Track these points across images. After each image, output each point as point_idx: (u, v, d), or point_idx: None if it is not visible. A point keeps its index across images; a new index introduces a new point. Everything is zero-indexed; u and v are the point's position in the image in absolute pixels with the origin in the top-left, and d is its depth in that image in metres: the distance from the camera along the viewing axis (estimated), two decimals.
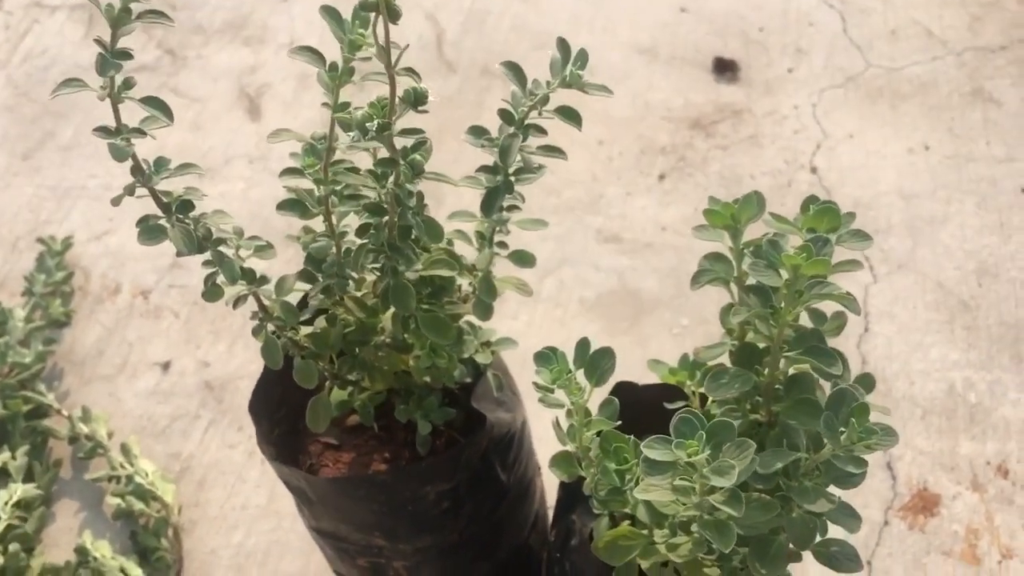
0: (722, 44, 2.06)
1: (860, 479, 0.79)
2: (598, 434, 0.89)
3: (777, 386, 0.87)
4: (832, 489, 0.83)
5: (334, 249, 0.94)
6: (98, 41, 0.80)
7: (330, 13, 0.78)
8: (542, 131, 0.83)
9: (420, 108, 0.76)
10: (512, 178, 0.86)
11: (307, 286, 1.01)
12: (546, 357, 0.84)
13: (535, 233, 1.75)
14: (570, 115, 0.81)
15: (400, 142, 0.81)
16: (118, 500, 1.44)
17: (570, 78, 0.77)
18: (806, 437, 0.83)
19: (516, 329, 1.64)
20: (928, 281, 1.66)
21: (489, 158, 0.90)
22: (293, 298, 1.03)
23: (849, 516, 0.84)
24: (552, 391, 0.84)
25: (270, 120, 2.00)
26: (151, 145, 0.88)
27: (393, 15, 0.71)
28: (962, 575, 1.36)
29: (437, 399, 1.10)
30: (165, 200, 0.87)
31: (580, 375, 0.87)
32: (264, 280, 0.98)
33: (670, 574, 0.90)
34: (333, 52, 0.85)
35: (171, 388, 1.62)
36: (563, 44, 0.78)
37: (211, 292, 0.95)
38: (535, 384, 0.84)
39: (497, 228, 0.94)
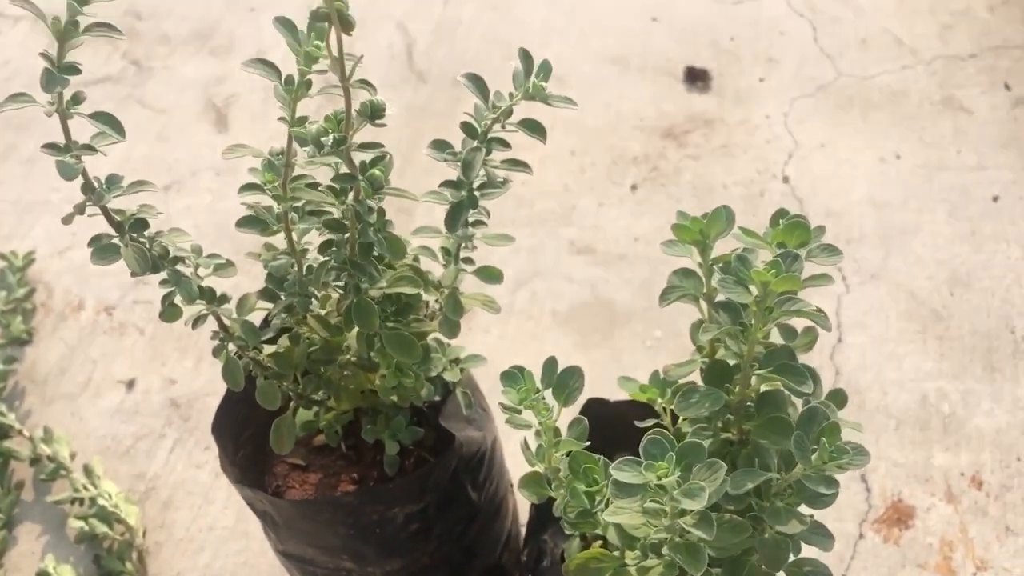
0: (693, 53, 2.05)
1: (832, 499, 0.77)
2: (567, 454, 0.87)
3: (748, 403, 0.85)
4: (805, 508, 0.81)
5: (295, 267, 0.92)
6: (44, 55, 0.77)
7: (284, 24, 0.75)
8: (506, 144, 0.81)
9: (377, 121, 0.74)
10: (476, 193, 0.84)
11: (269, 305, 0.99)
12: (513, 377, 0.82)
13: (507, 245, 1.74)
14: (534, 128, 0.79)
15: (359, 157, 0.79)
16: (81, 523, 1.41)
17: (533, 90, 0.75)
18: (777, 456, 0.82)
19: (488, 343, 1.62)
20: (900, 291, 1.65)
21: (454, 172, 0.89)
22: (255, 317, 1.01)
23: (822, 536, 0.82)
24: (519, 412, 0.82)
25: (238, 131, 1.98)
26: (115, 157, 0.86)
27: (346, 26, 0.69)
28: None
29: (405, 418, 1.08)
30: (118, 219, 0.84)
31: (548, 394, 0.85)
32: (224, 299, 0.96)
33: None
34: (295, 67, 0.83)
35: (136, 407, 1.59)
36: (525, 55, 0.77)
37: (169, 312, 0.93)
38: (501, 405, 0.82)
39: (463, 244, 0.92)
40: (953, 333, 1.60)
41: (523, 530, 1.34)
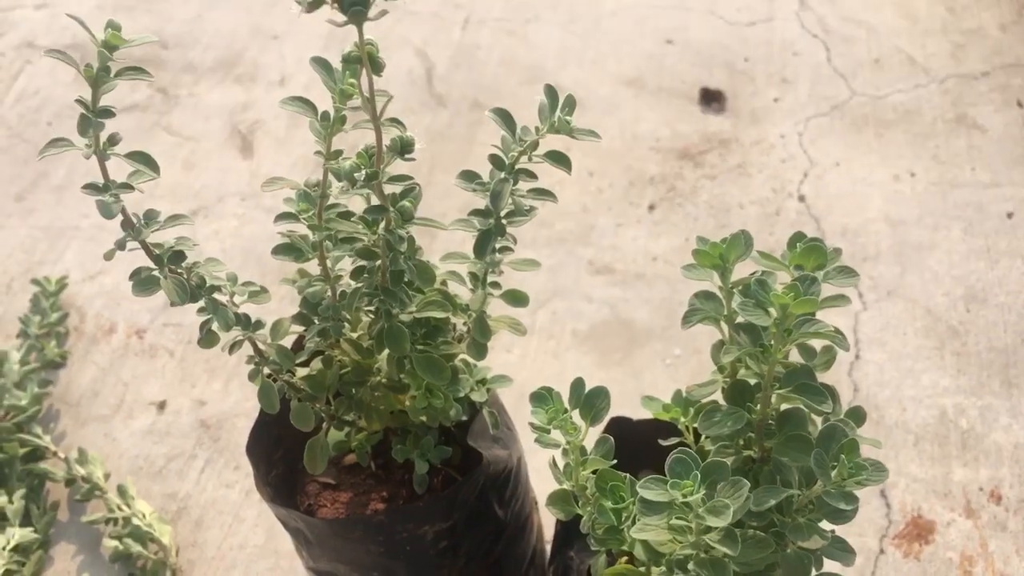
0: (708, 75, 2.08)
1: (852, 515, 0.80)
2: (595, 472, 0.90)
3: (770, 421, 0.88)
4: (826, 524, 0.84)
5: (329, 292, 0.95)
6: (80, 101, 0.81)
7: (320, 64, 0.79)
8: (532, 175, 0.84)
9: (407, 156, 0.78)
10: (504, 221, 0.87)
11: (302, 328, 1.02)
12: (542, 398, 0.85)
13: (533, 270, 1.77)
14: (559, 159, 0.82)
15: (389, 189, 0.83)
16: (115, 542, 1.44)
17: (559, 124, 0.78)
18: (798, 473, 0.84)
19: (510, 362, 1.65)
20: (917, 308, 1.67)
21: (480, 200, 0.92)
22: (287, 339, 1.04)
23: (843, 551, 0.85)
24: (548, 431, 0.85)
25: (262, 157, 2.02)
26: (144, 185, 0.89)
27: (376, 68, 0.72)
28: None
29: (434, 438, 1.11)
30: (157, 252, 0.88)
31: (576, 414, 0.87)
32: (259, 325, 0.99)
33: None
34: (323, 90, 0.86)
35: (167, 428, 1.62)
36: (551, 90, 0.80)
37: (207, 339, 0.96)
38: (531, 424, 0.85)
39: (490, 269, 0.95)
40: (970, 349, 1.62)
41: (548, 547, 1.37)
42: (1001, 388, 1.56)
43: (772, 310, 0.78)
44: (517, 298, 0.99)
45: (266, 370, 1.02)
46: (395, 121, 0.77)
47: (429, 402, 1.02)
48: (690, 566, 0.82)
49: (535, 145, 0.81)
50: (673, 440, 0.97)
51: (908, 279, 1.71)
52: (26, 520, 1.48)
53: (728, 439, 0.89)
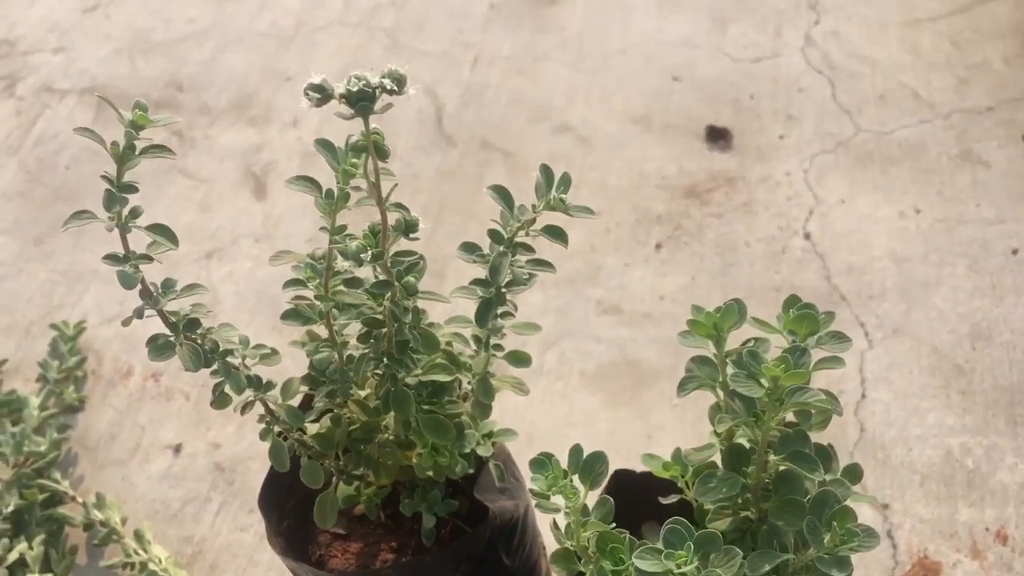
0: (714, 112, 2.11)
1: None
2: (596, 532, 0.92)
3: (767, 481, 0.90)
4: None
5: (336, 357, 0.98)
6: (105, 177, 0.84)
7: (324, 146, 0.82)
8: (530, 249, 0.87)
9: (411, 236, 0.81)
10: (503, 290, 0.90)
11: (311, 388, 1.05)
12: (541, 464, 0.88)
13: (536, 305, 1.80)
14: (556, 234, 0.85)
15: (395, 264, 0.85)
16: None
17: (554, 202, 0.81)
18: (794, 535, 0.86)
19: (518, 403, 1.67)
20: (923, 346, 1.69)
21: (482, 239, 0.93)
22: (297, 398, 1.07)
23: None
24: (548, 497, 0.88)
25: (276, 199, 2.06)
26: None
27: (382, 155, 0.75)
28: None
29: (441, 491, 1.13)
30: (173, 320, 0.91)
31: (575, 479, 0.90)
32: (270, 386, 1.02)
33: None
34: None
35: (182, 471, 1.66)
36: (546, 170, 0.82)
37: (219, 400, 0.99)
38: (531, 491, 0.87)
39: (492, 333, 0.98)
40: (976, 387, 1.63)
41: None
42: (1007, 427, 1.57)
43: (764, 381, 0.81)
44: (520, 359, 1.02)
45: (277, 429, 1.05)
46: (399, 206, 0.80)
47: (435, 460, 1.04)
48: None
49: (532, 222, 0.83)
50: (673, 498, 1.00)
51: (914, 317, 1.73)
52: (46, 566, 1.51)
53: (726, 500, 0.91)
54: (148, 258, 0.88)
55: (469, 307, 1.03)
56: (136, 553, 1.50)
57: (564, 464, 0.90)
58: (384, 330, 0.91)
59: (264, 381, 1.02)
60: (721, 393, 0.89)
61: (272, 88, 2.28)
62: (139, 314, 0.89)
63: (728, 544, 0.78)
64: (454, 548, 1.10)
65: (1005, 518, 1.48)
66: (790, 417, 0.93)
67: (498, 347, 1.00)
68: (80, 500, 1.59)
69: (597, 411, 1.66)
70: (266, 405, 1.03)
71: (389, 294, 0.86)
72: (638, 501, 1.02)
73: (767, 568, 0.81)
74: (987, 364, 1.66)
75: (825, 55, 2.18)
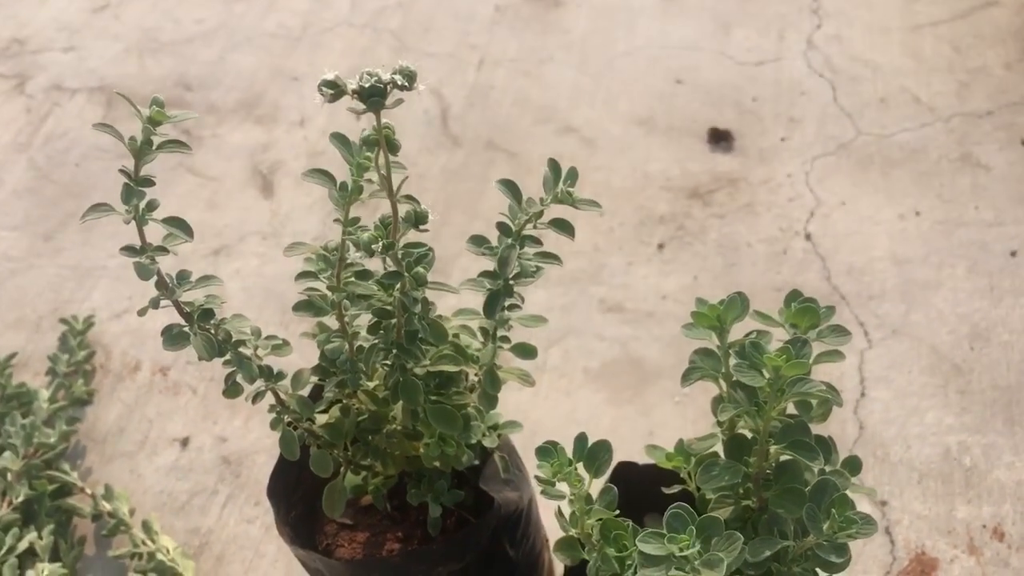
0: (717, 114, 2.13)
1: (844, 566, 0.83)
2: (599, 520, 0.94)
3: (768, 471, 0.92)
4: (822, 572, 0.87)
5: (347, 347, 1.00)
6: (123, 171, 0.86)
7: (339, 139, 0.84)
8: (537, 242, 0.89)
9: (421, 228, 0.83)
10: (511, 282, 0.92)
11: (321, 379, 1.07)
12: (547, 452, 0.90)
13: (540, 303, 1.82)
14: (563, 227, 0.87)
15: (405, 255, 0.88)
16: None
17: (561, 195, 0.83)
18: (794, 524, 0.88)
19: (522, 400, 1.69)
20: (922, 345, 1.71)
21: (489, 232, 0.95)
22: (307, 389, 1.09)
23: None
24: (553, 484, 0.90)
25: (282, 197, 2.08)
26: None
27: (393, 149, 0.78)
28: None
29: (447, 482, 1.15)
30: (188, 310, 0.93)
31: (579, 467, 0.92)
32: (281, 376, 1.04)
33: None
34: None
35: (190, 464, 1.68)
36: (554, 164, 0.85)
37: (231, 390, 1.01)
38: (537, 478, 0.89)
39: (500, 325, 1.00)
40: (974, 387, 1.65)
41: None
42: (1004, 426, 1.59)
43: (765, 371, 0.83)
44: (526, 351, 1.04)
45: (287, 418, 1.07)
46: (410, 198, 0.82)
47: (442, 450, 1.06)
48: None
49: (540, 214, 0.85)
50: (676, 488, 1.02)
51: (913, 317, 1.75)
52: (55, 555, 1.53)
53: (728, 488, 0.93)
54: (164, 250, 0.90)
55: (476, 301, 1.05)
56: (144, 544, 1.52)
57: (569, 454, 0.92)
58: (394, 321, 0.94)
59: (275, 371, 1.04)
60: (724, 384, 0.91)
61: (279, 88, 2.31)
62: (155, 304, 0.91)
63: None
64: (460, 537, 1.12)
65: (1002, 515, 1.50)
66: (791, 410, 0.95)
67: (505, 339, 1.02)
68: (89, 491, 1.61)
69: (600, 408, 1.68)
70: (277, 395, 1.05)
71: (399, 284, 0.88)
72: (640, 493, 1.04)
73: (767, 554, 0.83)
74: (985, 364, 1.68)
75: (827, 59, 2.20)
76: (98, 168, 2.17)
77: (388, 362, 1.00)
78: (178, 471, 1.67)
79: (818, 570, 0.87)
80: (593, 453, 0.91)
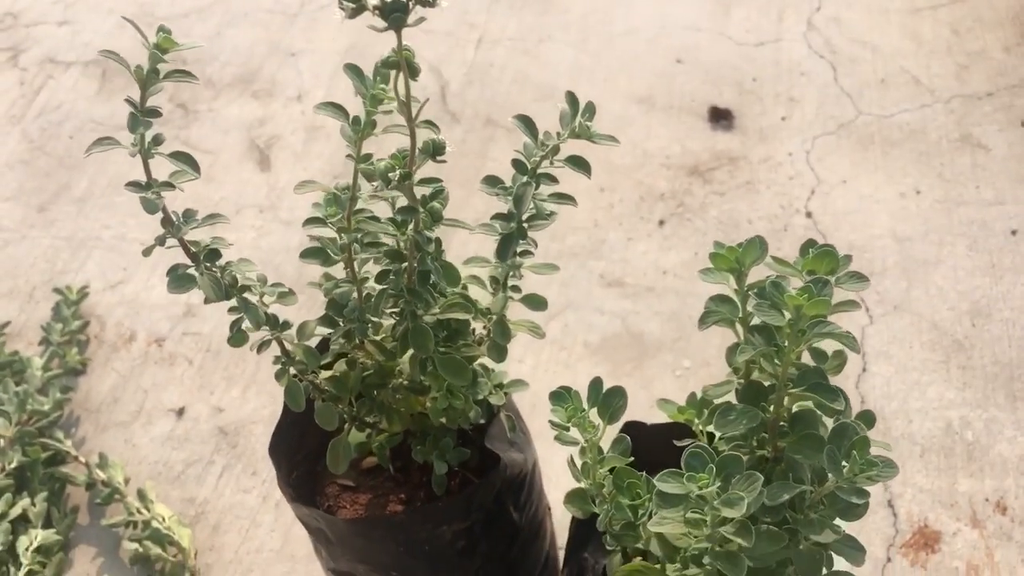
0: (717, 93, 2.12)
1: (864, 510, 0.82)
2: (611, 471, 0.93)
3: (782, 423, 0.91)
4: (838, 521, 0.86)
5: (355, 295, 0.99)
6: (129, 100, 0.85)
7: (352, 70, 0.83)
8: (553, 179, 0.88)
9: (438, 158, 0.81)
10: (525, 224, 0.90)
11: (328, 330, 1.05)
12: (561, 396, 0.88)
13: (540, 277, 1.81)
14: (579, 164, 0.86)
15: (419, 191, 0.86)
16: (135, 545, 1.47)
17: (579, 129, 0.82)
18: (810, 472, 0.87)
19: (523, 372, 1.68)
20: (923, 322, 1.70)
21: (499, 206, 0.95)
22: (311, 343, 1.07)
23: (854, 548, 0.87)
24: (567, 429, 0.88)
25: (280, 171, 2.06)
26: (166, 197, 0.92)
27: (413, 72, 0.76)
28: None
29: (452, 440, 1.14)
30: (194, 250, 0.91)
31: (593, 414, 0.90)
32: (287, 325, 1.02)
33: None
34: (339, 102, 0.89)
35: (186, 434, 1.65)
36: (572, 97, 0.83)
37: (236, 337, 0.99)
38: (551, 422, 0.88)
39: (511, 273, 0.98)
40: (975, 363, 1.64)
41: (560, 553, 1.39)
42: (1006, 401, 1.59)
43: (786, 311, 0.81)
44: (536, 302, 1.02)
45: (292, 370, 1.05)
46: (429, 123, 0.81)
47: (450, 403, 1.05)
48: (705, 560, 0.85)
49: (557, 150, 0.84)
50: (688, 441, 1.00)
51: (914, 294, 1.74)
52: (47, 522, 1.50)
53: (742, 439, 0.92)
54: (171, 185, 0.88)
55: (487, 249, 1.03)
56: (139, 512, 1.50)
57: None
58: (405, 264, 0.92)
59: (281, 320, 1.02)
60: (740, 329, 0.90)
61: (276, 63, 2.29)
62: (161, 242, 0.90)
63: None
64: (466, 494, 1.10)
65: (1004, 489, 1.50)
66: (806, 361, 0.94)
67: (516, 288, 1.01)
68: (83, 460, 1.58)
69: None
70: (282, 345, 1.03)
71: (413, 223, 0.86)
72: (648, 454, 1.03)
73: (786, 497, 0.82)
74: (986, 340, 1.67)
75: (827, 40, 2.20)
76: (92, 140, 2.14)
77: (396, 311, 0.99)
78: (173, 441, 1.65)
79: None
80: (608, 399, 0.90)
